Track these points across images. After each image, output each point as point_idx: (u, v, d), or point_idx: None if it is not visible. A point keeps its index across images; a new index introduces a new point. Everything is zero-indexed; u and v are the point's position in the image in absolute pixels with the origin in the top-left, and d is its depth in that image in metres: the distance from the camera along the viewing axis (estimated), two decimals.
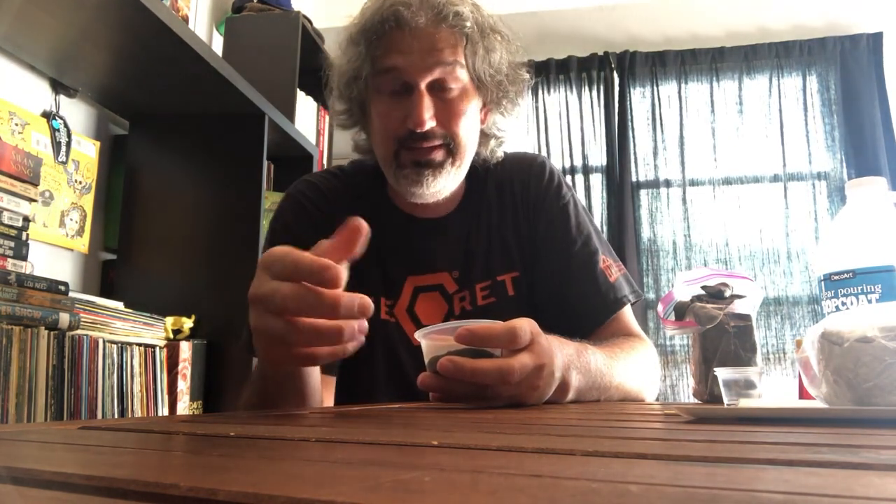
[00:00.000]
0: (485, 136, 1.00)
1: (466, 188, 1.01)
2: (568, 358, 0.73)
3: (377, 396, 0.94)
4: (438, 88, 0.89)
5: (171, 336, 1.57)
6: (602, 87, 3.02)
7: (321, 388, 0.80)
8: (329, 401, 0.94)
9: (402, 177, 0.91)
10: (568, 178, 3.01)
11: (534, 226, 1.00)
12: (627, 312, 0.99)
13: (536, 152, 2.62)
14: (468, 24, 0.89)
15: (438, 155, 0.90)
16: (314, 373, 0.75)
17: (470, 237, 0.99)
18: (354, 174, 1.05)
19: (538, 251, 0.99)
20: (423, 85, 0.88)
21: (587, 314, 0.96)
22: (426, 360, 0.70)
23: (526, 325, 0.66)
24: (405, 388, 0.91)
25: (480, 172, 1.02)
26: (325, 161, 2.65)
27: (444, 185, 0.92)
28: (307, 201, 1.00)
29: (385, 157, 0.93)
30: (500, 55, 0.93)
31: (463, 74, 0.90)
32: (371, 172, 1.03)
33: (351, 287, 0.55)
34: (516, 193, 1.01)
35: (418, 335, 0.71)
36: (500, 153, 1.03)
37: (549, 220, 0.99)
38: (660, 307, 0.88)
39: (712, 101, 2.94)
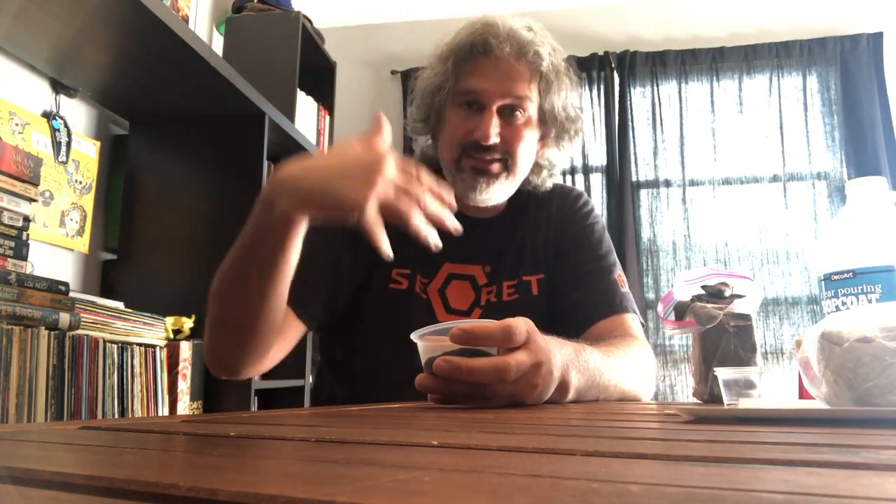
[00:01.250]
0: (538, 166, 1.09)
1: (510, 199, 1.11)
2: (567, 357, 0.74)
3: (398, 366, 0.94)
4: (507, 113, 1.00)
5: (172, 336, 1.57)
6: (602, 87, 3.02)
7: (284, 311, 0.88)
8: (289, 340, 0.95)
9: (460, 180, 1.01)
10: (568, 179, 3.03)
11: (561, 235, 1.09)
12: (631, 320, 1.03)
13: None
14: (544, 64, 1.00)
15: (495, 167, 1.00)
16: (289, 267, 0.81)
17: (505, 239, 1.08)
18: None
19: (561, 255, 1.08)
20: (494, 107, 0.99)
21: (594, 306, 1.02)
22: (423, 362, 0.70)
23: (521, 324, 0.66)
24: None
25: (526, 190, 1.12)
26: None
27: (494, 194, 1.02)
28: None
29: (448, 160, 1.03)
30: (565, 96, 1.04)
31: (531, 108, 1.01)
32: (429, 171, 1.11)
33: (393, 260, 0.66)
34: (552, 210, 1.11)
35: (414, 336, 0.71)
36: (549, 183, 1.13)
37: (577, 231, 1.09)
38: (660, 307, 0.88)
39: (712, 101, 2.94)
